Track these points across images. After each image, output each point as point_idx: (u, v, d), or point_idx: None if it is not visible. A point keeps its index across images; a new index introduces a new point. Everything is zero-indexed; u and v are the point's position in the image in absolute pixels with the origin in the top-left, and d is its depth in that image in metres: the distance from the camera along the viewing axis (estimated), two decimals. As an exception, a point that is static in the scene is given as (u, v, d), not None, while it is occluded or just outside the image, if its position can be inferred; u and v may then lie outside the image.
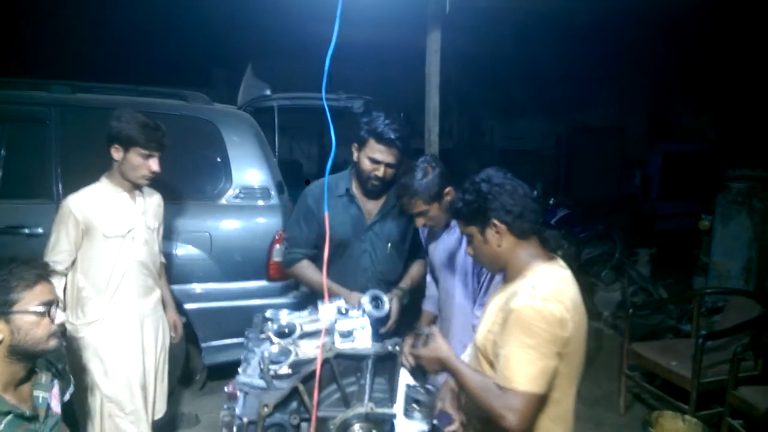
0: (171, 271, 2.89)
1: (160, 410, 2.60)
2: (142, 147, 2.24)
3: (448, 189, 2.09)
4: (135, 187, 2.37)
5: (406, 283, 2.36)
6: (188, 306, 3.14)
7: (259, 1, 6.53)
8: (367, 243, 2.30)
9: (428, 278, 2.51)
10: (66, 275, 2.31)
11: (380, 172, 2.15)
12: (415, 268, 2.44)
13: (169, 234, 2.91)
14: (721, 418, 2.95)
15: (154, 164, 2.29)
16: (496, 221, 1.50)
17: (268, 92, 4.34)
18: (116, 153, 2.26)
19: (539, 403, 1.40)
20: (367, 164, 2.16)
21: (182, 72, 8.07)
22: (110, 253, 2.30)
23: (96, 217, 2.26)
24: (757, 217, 4.19)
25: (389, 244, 2.31)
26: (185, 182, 3.18)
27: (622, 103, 9.89)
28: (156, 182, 2.44)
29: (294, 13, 5.90)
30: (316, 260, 2.34)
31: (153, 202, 2.51)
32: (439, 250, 2.25)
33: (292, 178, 4.70)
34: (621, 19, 6.93)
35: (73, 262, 2.31)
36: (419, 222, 2.17)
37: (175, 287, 2.89)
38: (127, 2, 6.98)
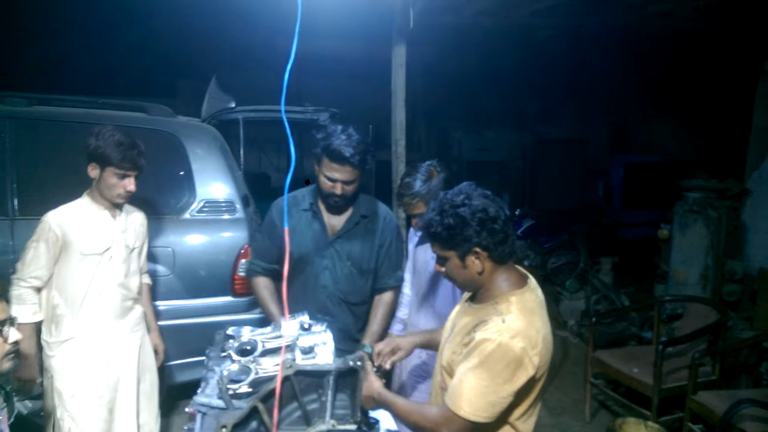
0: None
1: (153, 430, 2.55)
2: (116, 167, 2.21)
3: None
4: (115, 205, 2.34)
5: (369, 339, 2.24)
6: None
7: (225, 12, 6.50)
8: (328, 260, 2.24)
9: (401, 299, 2.48)
10: (41, 290, 2.26)
11: (338, 189, 2.12)
12: (380, 314, 2.31)
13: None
14: (682, 423, 3.02)
15: (129, 184, 2.26)
16: (478, 249, 1.45)
17: (232, 105, 4.30)
18: (93, 171, 2.24)
19: (478, 427, 1.42)
20: (324, 182, 2.14)
21: (147, 84, 7.93)
22: (86, 272, 2.27)
23: (74, 234, 2.23)
24: (713, 225, 4.33)
25: (350, 263, 2.25)
26: (147, 196, 3.12)
27: (585, 116, 10.16)
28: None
29: (260, 26, 5.89)
30: (278, 276, 2.31)
31: (135, 220, 2.48)
32: (427, 255, 2.22)
33: (260, 191, 4.65)
34: (582, 36, 7.13)
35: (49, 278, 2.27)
36: (416, 224, 2.18)
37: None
38: (90, 13, 6.84)
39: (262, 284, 2.32)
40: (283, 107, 1.44)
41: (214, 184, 3.28)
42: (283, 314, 2.21)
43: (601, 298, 5.20)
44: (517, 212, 6.54)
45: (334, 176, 2.10)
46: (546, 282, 5.50)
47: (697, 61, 8.00)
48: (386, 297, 2.33)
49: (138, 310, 2.49)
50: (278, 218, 2.27)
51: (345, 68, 7.97)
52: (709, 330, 3.28)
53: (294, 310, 2.10)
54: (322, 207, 2.26)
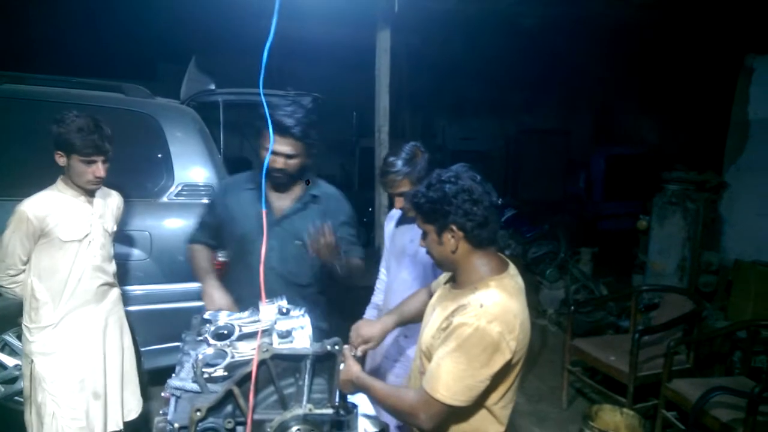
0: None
1: (135, 410, 2.57)
2: (79, 153, 2.16)
3: None
4: (88, 191, 2.30)
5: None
6: (126, 308, 3.01)
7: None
8: (274, 240, 2.14)
9: (377, 284, 2.48)
10: (20, 275, 2.26)
11: (278, 163, 2.06)
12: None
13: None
14: (657, 410, 3.07)
15: (98, 170, 2.22)
16: (454, 227, 1.45)
17: (212, 87, 4.22)
18: (60, 159, 2.19)
19: (456, 411, 1.42)
20: (265, 155, 2.06)
21: (127, 65, 7.78)
22: (66, 258, 2.25)
23: (53, 223, 2.20)
24: (690, 217, 4.39)
25: (300, 242, 2.15)
26: (123, 179, 3.03)
27: (568, 107, 10.23)
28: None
29: (241, 8, 5.78)
30: (216, 250, 2.32)
31: (112, 203, 2.46)
32: (406, 237, 2.21)
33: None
34: (566, 25, 7.14)
35: (28, 265, 2.26)
36: (398, 203, 2.15)
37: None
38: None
39: (197, 248, 2.29)
40: (261, 88, 1.40)
41: (192, 168, 3.23)
42: (213, 273, 2.20)
43: (580, 288, 5.27)
44: (499, 202, 6.58)
45: (275, 149, 2.03)
46: (526, 271, 5.55)
47: (679, 56, 8.07)
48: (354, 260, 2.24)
49: (115, 292, 2.49)
50: (220, 196, 2.28)
51: (329, 53, 7.89)
52: (684, 320, 3.33)
53: (240, 293, 2.07)
54: (267, 186, 2.17)
